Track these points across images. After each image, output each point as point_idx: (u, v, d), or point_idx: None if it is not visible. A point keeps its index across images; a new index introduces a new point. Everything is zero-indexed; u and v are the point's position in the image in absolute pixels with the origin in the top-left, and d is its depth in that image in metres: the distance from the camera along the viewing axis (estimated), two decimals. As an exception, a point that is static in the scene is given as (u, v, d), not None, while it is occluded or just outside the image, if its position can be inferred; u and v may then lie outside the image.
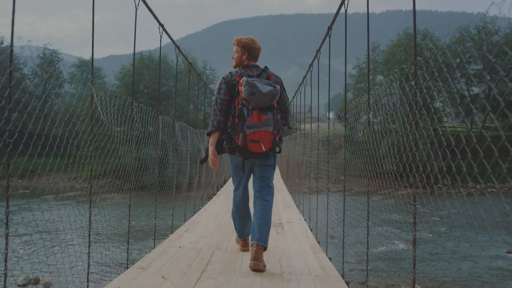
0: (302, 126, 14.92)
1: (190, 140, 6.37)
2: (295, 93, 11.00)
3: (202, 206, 7.35)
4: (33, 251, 12.32)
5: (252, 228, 3.13)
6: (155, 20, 4.53)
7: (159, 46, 4.02)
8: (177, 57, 4.69)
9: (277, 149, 3.05)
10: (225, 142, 3.09)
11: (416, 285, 2.26)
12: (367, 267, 3.27)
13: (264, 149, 2.92)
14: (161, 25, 3.92)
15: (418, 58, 2.19)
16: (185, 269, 3.09)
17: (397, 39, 36.17)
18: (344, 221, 3.78)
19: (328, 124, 4.54)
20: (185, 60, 5.66)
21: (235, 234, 3.77)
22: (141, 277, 2.86)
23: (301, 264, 3.38)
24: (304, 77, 7.63)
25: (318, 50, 5.37)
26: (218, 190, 10.46)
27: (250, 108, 2.88)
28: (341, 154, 5.01)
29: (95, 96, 2.45)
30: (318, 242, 4.62)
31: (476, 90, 35.88)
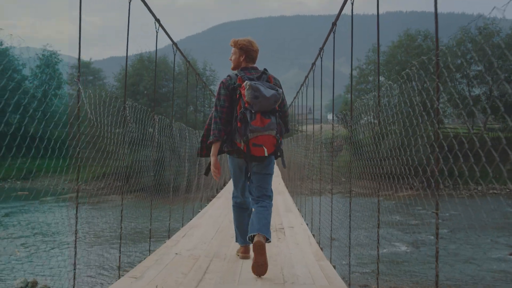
0: (302, 127, 14.75)
1: (189, 141, 6.18)
2: (296, 94, 10.86)
3: (201, 209, 7.16)
4: (31, 254, 12.17)
5: (251, 222, 3.08)
6: (154, 20, 4.37)
7: (155, 42, 3.85)
8: (174, 55, 4.52)
9: (279, 153, 3.02)
10: (225, 144, 3.05)
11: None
12: (377, 279, 3.07)
13: (266, 154, 2.89)
14: (157, 20, 3.74)
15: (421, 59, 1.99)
16: (181, 278, 2.91)
17: (397, 40, 36.06)
18: (350, 227, 3.59)
19: (332, 125, 4.36)
20: (184, 59, 5.49)
21: (235, 242, 3.58)
22: (133, 288, 2.67)
23: (304, 273, 3.19)
24: (306, 77, 7.48)
25: (322, 48, 5.21)
26: (218, 192, 10.27)
27: (253, 112, 2.85)
28: (343, 156, 4.84)
29: (83, 93, 2.26)
30: (321, 248, 4.43)
31: (477, 91, 35.74)
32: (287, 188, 11.18)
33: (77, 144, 2.29)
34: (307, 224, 5.74)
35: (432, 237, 13.83)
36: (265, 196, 3.17)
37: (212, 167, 3.12)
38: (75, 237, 2.26)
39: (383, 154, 2.98)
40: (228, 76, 3.12)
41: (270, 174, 3.21)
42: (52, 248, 12.21)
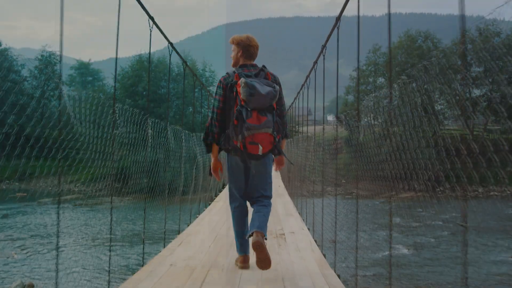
0: (301, 129, 14.57)
1: (185, 145, 5.99)
2: (297, 95, 10.70)
3: (199, 214, 6.96)
4: (28, 256, 11.99)
5: (251, 220, 3.10)
6: (148, 19, 4.20)
7: (149, 41, 3.67)
8: (170, 55, 4.34)
9: (276, 151, 2.98)
10: (222, 143, 3.03)
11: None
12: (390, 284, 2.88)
13: (261, 152, 2.86)
14: (151, 18, 3.55)
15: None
16: (175, 292, 2.72)
17: (398, 41, 35.90)
18: (357, 236, 3.39)
19: (336, 126, 4.17)
20: (181, 59, 5.30)
21: (234, 250, 3.39)
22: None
23: (307, 284, 3.00)
24: (308, 76, 7.33)
25: (324, 46, 5.05)
26: (216, 195, 10.06)
27: (249, 109, 2.81)
28: (343, 158, 4.65)
29: (64, 92, 2.08)
30: (324, 255, 4.24)
31: (477, 92, 35.57)
32: (287, 190, 10.98)
33: (60, 145, 2.11)
34: (308, 229, 5.55)
35: (433, 240, 13.66)
36: (264, 196, 3.17)
37: (212, 166, 3.23)
38: (57, 241, 2.09)
39: (394, 156, 2.80)
40: (227, 73, 3.08)
41: (269, 173, 3.20)
42: (49, 251, 12.05)
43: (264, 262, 2.89)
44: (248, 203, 3.31)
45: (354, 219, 4.04)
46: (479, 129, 30.61)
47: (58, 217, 2.14)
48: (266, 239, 3.04)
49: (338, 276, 3.51)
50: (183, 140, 5.74)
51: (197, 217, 6.58)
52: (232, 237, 3.39)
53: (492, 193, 25.27)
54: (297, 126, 21.08)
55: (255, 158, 2.96)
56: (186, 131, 6.30)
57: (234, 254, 3.74)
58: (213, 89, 35.01)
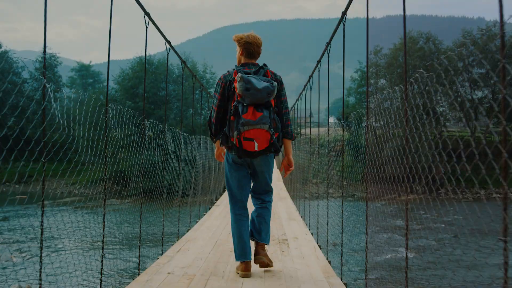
0: (303, 130, 14.44)
1: (184, 147, 5.81)
2: (298, 98, 10.60)
3: (199, 218, 6.79)
4: (27, 259, 11.85)
5: (252, 223, 3.18)
6: (143, 14, 4.06)
7: (145, 37, 3.50)
8: (167, 53, 4.17)
9: (272, 149, 2.90)
10: (220, 141, 3.01)
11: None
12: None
13: (257, 148, 2.80)
14: (147, 14, 3.39)
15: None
16: (172, 304, 2.54)
17: (399, 42, 35.73)
18: (367, 236, 3.22)
19: (343, 128, 4.00)
20: (180, 59, 5.14)
21: (235, 260, 3.21)
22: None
23: (312, 295, 2.83)
24: (310, 76, 7.32)
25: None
26: (217, 199, 9.89)
27: (245, 104, 2.77)
28: (349, 160, 4.49)
29: (49, 89, 1.92)
30: (329, 261, 4.06)
31: (479, 94, 35.41)
32: (288, 193, 10.81)
33: (45, 146, 1.95)
34: (312, 234, 5.38)
35: (434, 243, 13.48)
36: (265, 195, 3.20)
37: (215, 153, 3.34)
38: (41, 244, 1.94)
39: (402, 160, 2.65)
40: (228, 71, 3.05)
41: (268, 172, 3.14)
42: (47, 254, 11.90)
43: (263, 263, 3.18)
44: (247, 205, 3.22)
45: (356, 222, 3.90)
46: (482, 131, 30.41)
47: (41, 224, 1.97)
48: (267, 245, 3.18)
49: (345, 284, 3.34)
50: (182, 143, 5.57)
51: (197, 221, 6.41)
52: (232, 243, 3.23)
53: (494, 195, 25.10)
54: (298, 128, 20.94)
55: (251, 155, 2.89)
56: (185, 134, 6.13)
57: (235, 261, 3.57)
58: (212, 91, 34.82)
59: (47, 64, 37.24)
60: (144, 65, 35.88)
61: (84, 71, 43.83)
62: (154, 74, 35.89)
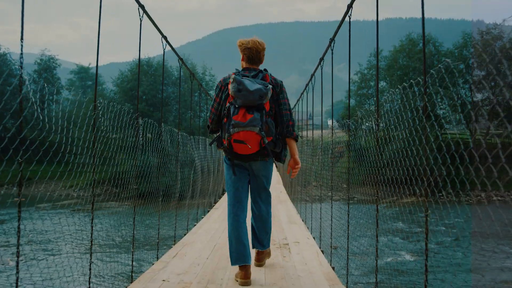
0: (303, 133, 14.32)
1: (182, 147, 5.63)
2: (297, 101, 10.48)
3: (197, 221, 6.60)
4: (24, 263, 11.67)
5: (252, 234, 3.22)
6: (138, 7, 3.90)
7: (139, 31, 3.34)
8: (164, 49, 4.00)
9: (265, 152, 2.83)
10: (216, 143, 2.98)
11: None
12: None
13: (246, 151, 2.75)
14: (141, 6, 3.22)
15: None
16: (166, 315, 2.36)
17: (399, 45, 35.64)
18: (377, 241, 3.04)
19: (348, 129, 3.83)
20: (177, 57, 4.98)
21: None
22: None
23: (316, 304, 2.64)
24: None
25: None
26: (216, 201, 9.70)
27: (237, 106, 2.75)
28: (351, 162, 4.32)
29: (28, 84, 1.75)
30: (333, 267, 3.88)
31: (479, 96, 35.30)
32: (289, 195, 10.63)
33: (21, 145, 1.78)
34: (313, 238, 5.19)
35: (435, 246, 13.30)
36: (263, 201, 3.16)
37: None
38: (17, 249, 1.78)
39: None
40: (228, 74, 3.04)
41: (267, 177, 3.10)
42: (45, 258, 11.72)
43: (261, 264, 3.39)
44: (246, 208, 3.12)
45: (357, 225, 3.78)
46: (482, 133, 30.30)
47: (18, 228, 1.80)
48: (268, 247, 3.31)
49: (350, 292, 3.16)
50: (180, 143, 5.38)
51: (195, 224, 6.22)
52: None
53: (494, 198, 24.97)
54: (298, 131, 20.82)
55: (242, 158, 2.87)
56: (184, 133, 5.95)
57: (235, 266, 3.39)
58: (213, 93, 34.71)
59: (46, 67, 37.11)
60: (143, 67, 35.79)
61: (83, 73, 43.67)
62: (153, 76, 35.77)
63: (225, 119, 2.78)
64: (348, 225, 3.79)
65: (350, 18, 3.21)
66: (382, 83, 37.18)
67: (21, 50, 1.65)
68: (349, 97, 3.97)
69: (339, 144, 5.28)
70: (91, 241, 2.68)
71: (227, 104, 2.82)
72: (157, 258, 3.97)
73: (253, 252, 3.29)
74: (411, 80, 2.03)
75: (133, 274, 3.53)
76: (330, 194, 6.26)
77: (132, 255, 3.48)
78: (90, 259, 2.67)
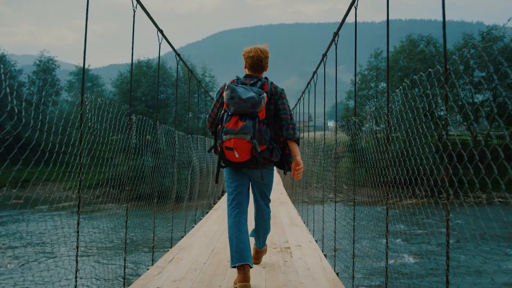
0: (304, 134, 14.17)
1: (178, 146, 5.43)
2: (298, 100, 10.34)
3: (195, 223, 6.41)
4: (21, 266, 11.51)
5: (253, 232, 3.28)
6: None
7: (133, 22, 3.16)
8: (159, 43, 3.81)
9: (261, 161, 2.84)
10: (214, 149, 3.00)
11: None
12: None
13: (237, 159, 2.75)
14: (135, -4, 3.03)
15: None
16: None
17: (400, 45, 35.48)
18: (387, 244, 2.85)
19: (354, 131, 3.65)
20: (175, 52, 4.80)
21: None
22: None
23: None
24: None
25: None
26: (215, 202, 9.51)
27: (230, 113, 2.77)
28: (350, 163, 4.14)
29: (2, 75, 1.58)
30: (337, 273, 3.69)
31: (480, 97, 35.17)
32: (289, 197, 10.44)
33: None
34: (316, 241, 5.00)
35: (437, 248, 13.12)
36: (262, 207, 3.16)
37: None
38: None
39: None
40: (231, 80, 3.04)
41: (265, 185, 3.08)
42: (43, 261, 11.55)
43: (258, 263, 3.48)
44: (247, 211, 3.08)
45: (357, 227, 3.64)
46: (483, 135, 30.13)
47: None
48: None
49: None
50: (177, 142, 5.19)
51: (193, 226, 6.03)
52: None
53: (495, 199, 24.81)
54: (298, 132, 20.65)
55: (234, 165, 2.85)
56: (181, 132, 5.76)
57: (233, 272, 3.21)
58: (213, 94, 34.60)
59: (45, 68, 36.94)
60: (143, 69, 35.66)
61: (82, 75, 43.42)
62: (152, 78, 35.60)
63: (219, 125, 2.82)
64: (354, 229, 3.60)
65: (356, 9, 3.03)
66: (383, 84, 37.01)
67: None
68: (355, 94, 3.79)
69: (341, 145, 5.12)
70: (77, 248, 2.49)
71: (222, 111, 2.85)
72: (152, 263, 3.78)
73: None
74: (430, 69, 1.85)
75: (125, 281, 3.34)
76: (332, 195, 6.08)
77: (124, 261, 3.29)
78: (76, 266, 2.48)
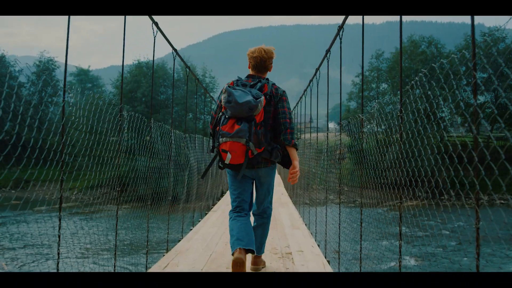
0: (302, 135, 14.00)
1: (175, 146, 5.23)
2: (299, 99, 10.19)
3: (193, 226, 6.21)
4: (18, 267, 11.34)
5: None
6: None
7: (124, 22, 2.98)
8: (154, 37, 3.62)
9: (259, 160, 2.84)
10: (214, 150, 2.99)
11: None
12: None
13: (228, 162, 2.75)
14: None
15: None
16: None
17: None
18: (400, 247, 2.65)
19: (362, 128, 3.45)
20: (172, 48, 4.61)
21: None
22: None
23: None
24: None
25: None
26: (213, 204, 9.31)
27: (227, 116, 2.78)
28: (352, 164, 3.96)
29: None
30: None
31: (482, 98, 35.00)
32: (290, 198, 10.24)
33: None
34: (318, 245, 4.79)
35: (440, 250, 12.92)
36: (263, 208, 3.17)
37: None
38: None
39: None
40: (231, 82, 3.06)
41: (268, 184, 3.10)
42: (41, 262, 11.39)
43: (258, 269, 3.26)
44: (249, 213, 3.15)
45: (358, 229, 3.51)
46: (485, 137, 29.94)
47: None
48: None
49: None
50: (173, 141, 4.99)
51: (191, 229, 5.82)
52: (230, 255, 2.93)
53: (497, 201, 24.66)
54: (298, 133, 20.49)
55: (233, 168, 2.83)
56: (177, 131, 5.56)
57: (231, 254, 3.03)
58: (213, 95, 34.49)
59: (44, 68, 36.82)
60: (143, 69, 35.48)
61: (82, 76, 43.46)
62: (154, 78, 35.47)
63: (217, 127, 2.82)
64: (361, 233, 3.40)
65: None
66: (384, 85, 36.86)
67: None
68: (362, 90, 3.60)
69: (343, 146, 4.96)
70: (58, 254, 2.30)
71: (220, 114, 2.85)
72: (146, 269, 3.58)
73: (248, 258, 3.30)
74: (454, 55, 1.67)
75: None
76: (333, 197, 5.87)
77: (114, 267, 3.08)
78: (57, 269, 2.28)
